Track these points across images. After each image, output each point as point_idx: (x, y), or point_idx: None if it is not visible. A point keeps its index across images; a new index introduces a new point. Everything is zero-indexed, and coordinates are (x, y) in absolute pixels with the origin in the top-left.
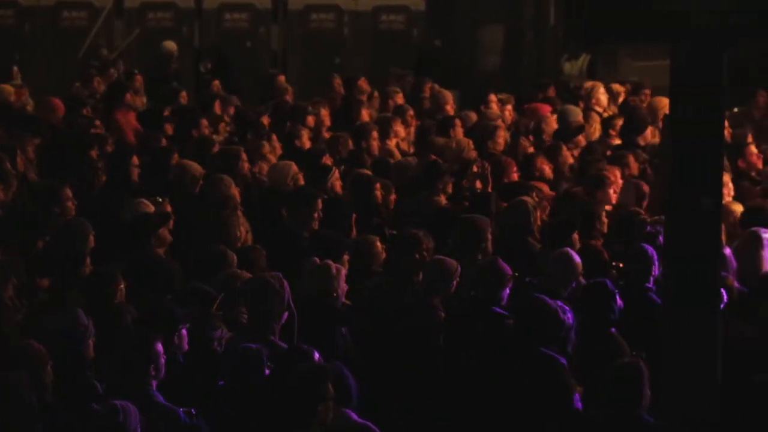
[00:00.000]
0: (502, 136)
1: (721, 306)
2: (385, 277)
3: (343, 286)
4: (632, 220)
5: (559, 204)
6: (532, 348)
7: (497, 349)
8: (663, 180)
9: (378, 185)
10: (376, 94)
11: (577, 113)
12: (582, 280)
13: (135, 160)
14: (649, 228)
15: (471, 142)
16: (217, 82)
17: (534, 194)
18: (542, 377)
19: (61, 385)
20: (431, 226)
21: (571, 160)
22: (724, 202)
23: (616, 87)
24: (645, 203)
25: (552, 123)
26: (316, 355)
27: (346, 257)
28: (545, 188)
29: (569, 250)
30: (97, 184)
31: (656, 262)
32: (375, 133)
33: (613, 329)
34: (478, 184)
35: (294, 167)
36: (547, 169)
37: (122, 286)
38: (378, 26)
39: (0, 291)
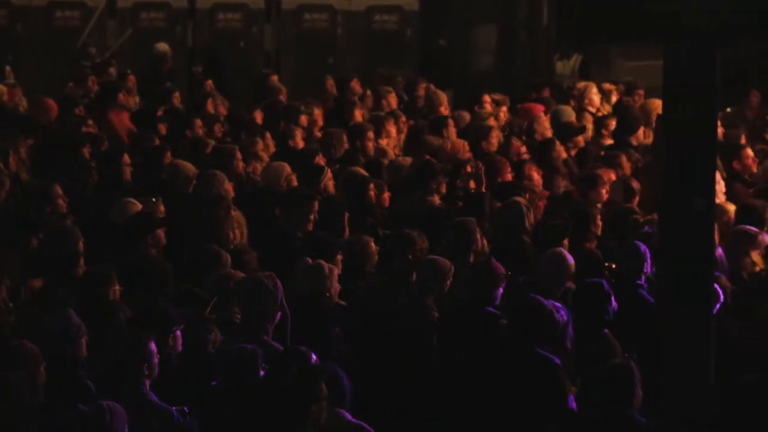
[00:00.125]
0: (496, 136)
1: (717, 306)
2: (379, 277)
3: (336, 286)
4: (625, 218)
5: (554, 205)
6: (528, 348)
7: (491, 350)
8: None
9: (371, 185)
10: (369, 93)
11: (570, 113)
12: (571, 283)
13: (126, 159)
14: (647, 228)
15: (466, 143)
16: (210, 82)
17: (527, 194)
18: (537, 378)
19: (54, 385)
20: (425, 227)
21: (564, 155)
22: (717, 201)
23: (608, 86)
24: (636, 200)
25: (544, 123)
26: (314, 358)
27: (339, 257)
28: (539, 187)
29: (562, 250)
30: (89, 184)
31: (648, 260)
32: (371, 134)
33: (605, 330)
34: (472, 184)
35: (287, 168)
36: (536, 176)
37: (117, 286)
38: (371, 26)
39: None
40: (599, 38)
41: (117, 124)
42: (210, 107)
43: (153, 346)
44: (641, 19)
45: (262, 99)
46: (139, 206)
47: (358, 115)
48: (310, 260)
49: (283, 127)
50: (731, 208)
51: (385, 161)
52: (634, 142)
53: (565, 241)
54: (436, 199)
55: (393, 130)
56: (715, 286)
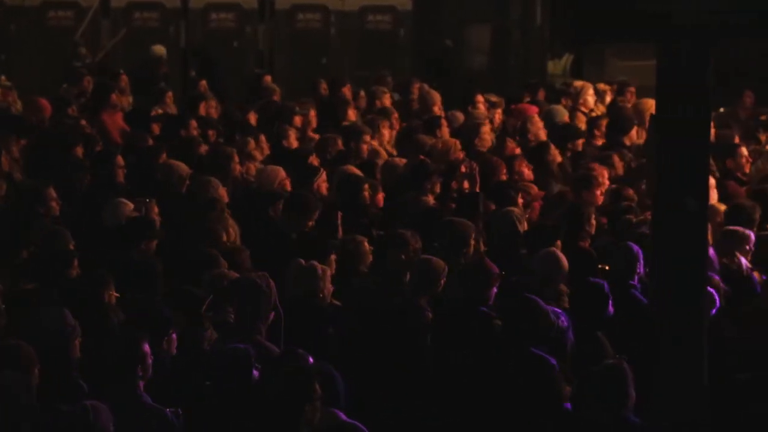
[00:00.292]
0: (488, 133)
1: (714, 310)
2: (372, 277)
3: (329, 287)
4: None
5: (549, 205)
6: (522, 348)
7: (486, 349)
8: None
9: (365, 185)
10: (362, 94)
11: (563, 113)
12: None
13: (120, 160)
14: (643, 229)
15: (458, 142)
16: (203, 83)
17: (521, 195)
18: (532, 377)
19: (48, 386)
20: (419, 227)
21: (559, 159)
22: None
23: (602, 86)
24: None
25: (538, 123)
26: (311, 360)
27: (332, 258)
28: (534, 189)
29: (555, 250)
30: (82, 184)
31: (641, 261)
32: (367, 137)
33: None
34: (466, 185)
35: (282, 172)
36: (527, 171)
37: (112, 290)
38: (365, 26)
39: None
40: (594, 38)
41: (110, 124)
42: (202, 110)
43: (147, 347)
44: (635, 19)
45: (256, 99)
46: (131, 206)
47: (352, 114)
48: (303, 261)
49: (277, 128)
50: (723, 208)
51: (379, 162)
52: (627, 143)
53: (558, 242)
54: (431, 199)
55: (386, 132)
56: (711, 290)
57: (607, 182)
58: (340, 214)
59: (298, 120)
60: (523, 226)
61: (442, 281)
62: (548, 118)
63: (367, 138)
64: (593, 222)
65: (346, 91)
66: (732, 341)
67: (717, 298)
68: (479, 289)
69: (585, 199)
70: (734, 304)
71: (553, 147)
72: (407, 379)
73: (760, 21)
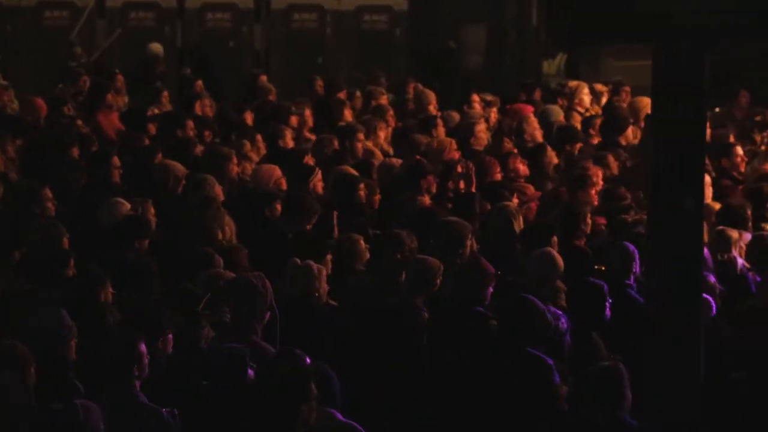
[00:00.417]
0: (483, 131)
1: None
2: (369, 276)
3: (325, 287)
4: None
5: (544, 204)
6: (519, 348)
7: (481, 349)
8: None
9: (362, 185)
10: (358, 94)
11: (558, 113)
12: (560, 283)
13: (116, 160)
14: (639, 228)
15: (454, 142)
16: (200, 83)
17: (516, 195)
18: (528, 377)
19: (44, 386)
20: (415, 227)
21: (555, 160)
22: (705, 202)
23: (599, 87)
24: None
25: (533, 123)
26: (308, 360)
27: (329, 257)
28: (530, 189)
29: (550, 249)
30: (78, 185)
31: (637, 260)
32: (361, 135)
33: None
34: (462, 185)
35: (277, 171)
36: (522, 167)
37: (109, 289)
38: (361, 26)
39: None
40: (590, 39)
41: (106, 124)
42: (198, 109)
43: (144, 347)
44: (631, 20)
45: (252, 99)
46: (128, 206)
47: (348, 115)
48: (298, 261)
49: (273, 128)
50: (719, 207)
51: (375, 162)
52: (623, 142)
53: (554, 239)
54: (427, 199)
55: (382, 134)
56: (707, 297)
57: (601, 182)
58: (336, 213)
59: (294, 120)
60: (519, 223)
61: (438, 281)
62: (544, 118)
63: (361, 136)
64: (588, 222)
65: (342, 95)
66: (727, 340)
67: (713, 302)
68: (475, 289)
69: (580, 198)
70: (729, 303)
71: (549, 149)
72: (403, 379)
73: (757, 21)
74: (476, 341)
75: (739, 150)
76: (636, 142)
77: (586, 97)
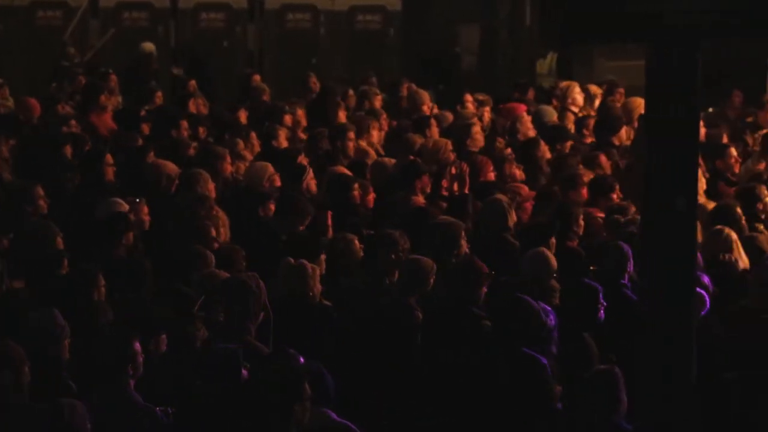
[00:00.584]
0: (479, 133)
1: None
2: (362, 276)
3: (319, 286)
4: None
5: (538, 204)
6: (514, 348)
7: (475, 349)
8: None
9: (356, 185)
10: (351, 93)
11: (551, 113)
12: (554, 282)
13: (109, 159)
14: (632, 228)
15: (449, 142)
16: (193, 82)
17: (509, 195)
18: (523, 377)
19: (37, 386)
20: (409, 227)
21: (548, 155)
22: (699, 202)
23: (593, 88)
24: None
25: (527, 123)
26: (301, 360)
27: (322, 257)
28: (524, 189)
29: (544, 249)
30: (71, 184)
31: (631, 260)
32: (352, 134)
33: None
34: (455, 186)
35: (270, 168)
36: (519, 173)
37: (102, 286)
38: (354, 26)
39: None
40: (582, 40)
41: (99, 125)
42: (192, 108)
43: (138, 346)
44: (623, 20)
45: (246, 99)
46: (126, 207)
47: (342, 116)
48: (292, 260)
49: (267, 127)
50: (712, 206)
51: (369, 162)
52: (616, 142)
53: (552, 240)
54: (421, 199)
55: (375, 133)
56: (702, 292)
57: None
58: (330, 214)
59: (288, 119)
60: (512, 217)
61: (431, 280)
62: (537, 118)
63: (352, 135)
64: (581, 222)
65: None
66: (720, 340)
67: (707, 298)
68: (468, 289)
69: (572, 198)
70: (722, 303)
71: (542, 143)
72: (397, 379)
73: (748, 21)
74: (470, 341)
75: (733, 151)
76: (629, 143)
77: (579, 97)
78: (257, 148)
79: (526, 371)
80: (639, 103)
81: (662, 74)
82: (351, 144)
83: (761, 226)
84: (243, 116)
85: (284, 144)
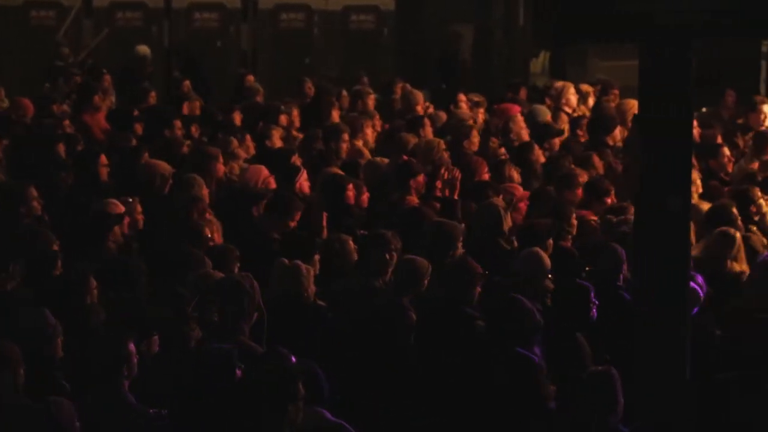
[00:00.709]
0: (477, 136)
1: (696, 308)
2: (356, 277)
3: (313, 287)
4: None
5: (532, 204)
6: (508, 348)
7: (469, 349)
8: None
9: (350, 185)
10: (344, 93)
11: (545, 113)
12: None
13: (103, 159)
14: (624, 228)
15: (442, 142)
16: (187, 83)
17: (502, 196)
18: (517, 377)
19: (30, 386)
20: (404, 227)
21: (543, 159)
22: (693, 202)
23: (586, 87)
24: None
25: (520, 123)
26: (293, 359)
27: (316, 258)
28: (519, 189)
29: (538, 249)
30: (64, 184)
31: (626, 261)
32: (346, 135)
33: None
34: (446, 192)
35: (265, 171)
36: (516, 175)
37: (94, 288)
38: (348, 26)
39: None
40: (575, 40)
41: (93, 125)
42: (185, 109)
43: (132, 346)
44: (616, 20)
45: (240, 100)
46: (121, 207)
47: (336, 116)
48: (286, 261)
49: (261, 127)
50: (707, 207)
51: (362, 162)
52: (611, 142)
53: (550, 241)
54: (415, 200)
55: (369, 132)
56: (696, 287)
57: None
58: (325, 215)
59: (283, 119)
60: (507, 221)
61: (426, 281)
62: (530, 118)
63: (346, 136)
64: (574, 222)
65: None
66: (714, 340)
67: (701, 293)
68: (462, 289)
69: (567, 198)
70: (717, 303)
71: (536, 147)
72: (392, 379)
73: (740, 21)
74: (464, 341)
75: (726, 150)
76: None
77: (573, 97)
78: (252, 150)
79: (521, 371)
80: (633, 104)
81: (655, 74)
82: (345, 145)
83: (754, 228)
84: (237, 116)
85: (278, 144)
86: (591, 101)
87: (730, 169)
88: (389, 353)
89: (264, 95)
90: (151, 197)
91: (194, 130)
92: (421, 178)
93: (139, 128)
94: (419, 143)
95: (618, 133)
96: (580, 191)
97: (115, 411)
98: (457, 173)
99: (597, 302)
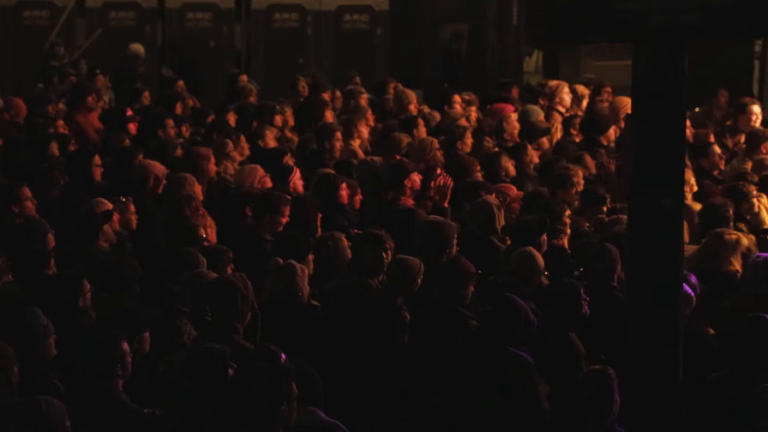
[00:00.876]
0: (470, 137)
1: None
2: (350, 276)
3: (307, 287)
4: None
5: (526, 204)
6: (502, 347)
7: (463, 349)
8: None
9: (343, 185)
10: (338, 94)
11: (538, 113)
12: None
13: (97, 159)
14: (617, 227)
15: (435, 141)
16: (181, 83)
17: (494, 195)
18: (511, 377)
19: (23, 386)
20: (398, 227)
21: (536, 160)
22: (687, 202)
23: (581, 89)
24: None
25: (513, 122)
26: (283, 357)
27: (310, 257)
28: (513, 190)
29: (532, 248)
30: (57, 184)
31: (619, 260)
32: (338, 134)
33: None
34: (437, 198)
35: (260, 170)
36: (511, 167)
37: (88, 291)
38: (342, 26)
39: None
40: (569, 39)
41: (85, 125)
42: (179, 109)
43: (126, 346)
44: (610, 19)
45: (234, 99)
46: (110, 205)
47: (329, 116)
48: (281, 260)
49: (255, 127)
50: (698, 207)
51: (355, 161)
52: (605, 142)
53: (544, 238)
54: (410, 200)
55: (365, 130)
56: (688, 289)
57: (582, 182)
58: (320, 215)
59: (278, 119)
60: (501, 219)
61: (419, 280)
62: (524, 118)
63: (339, 135)
64: (567, 220)
65: (326, 96)
66: (707, 339)
67: (693, 295)
68: (456, 289)
69: (561, 198)
70: (710, 302)
71: (530, 147)
72: (385, 379)
73: (734, 21)
74: (457, 341)
75: (716, 149)
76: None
77: (567, 97)
78: (246, 150)
79: (514, 371)
80: (626, 102)
81: (648, 74)
82: (338, 144)
83: (744, 226)
84: (232, 117)
85: (272, 144)
86: (585, 103)
87: (722, 167)
88: (383, 353)
89: (257, 95)
90: (146, 197)
91: (185, 130)
92: (415, 176)
93: (132, 128)
94: (413, 142)
95: (612, 132)
96: (574, 191)
97: (109, 411)
98: (450, 181)
99: (587, 299)
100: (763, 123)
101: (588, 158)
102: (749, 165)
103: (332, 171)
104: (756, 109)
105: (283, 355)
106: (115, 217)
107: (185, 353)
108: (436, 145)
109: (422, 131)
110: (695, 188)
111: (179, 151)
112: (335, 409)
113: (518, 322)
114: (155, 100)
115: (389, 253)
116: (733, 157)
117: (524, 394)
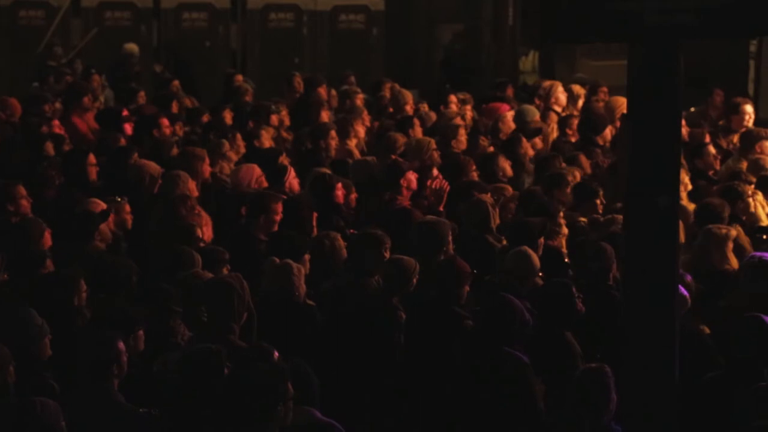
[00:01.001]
0: (464, 135)
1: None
2: (346, 276)
3: (304, 286)
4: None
5: (521, 204)
6: (497, 347)
7: (458, 348)
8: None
9: (339, 185)
10: (334, 93)
11: (534, 113)
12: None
13: (92, 158)
14: (613, 227)
15: (432, 141)
16: (176, 83)
17: (490, 195)
18: (507, 377)
19: (18, 386)
20: (395, 226)
21: (531, 152)
22: (682, 202)
23: (577, 89)
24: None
25: (509, 122)
26: (276, 354)
27: (306, 257)
28: (509, 190)
29: (527, 248)
30: (53, 183)
31: (615, 259)
32: (333, 133)
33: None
34: (433, 200)
35: (257, 170)
36: (508, 168)
37: (84, 291)
38: (337, 26)
39: None
40: (564, 39)
41: (81, 125)
42: (174, 108)
43: (122, 345)
44: (605, 19)
45: (230, 99)
46: (104, 205)
47: (325, 116)
48: (277, 260)
49: (251, 127)
50: (692, 207)
51: (350, 161)
52: (601, 142)
53: (541, 240)
54: (406, 200)
55: (361, 129)
56: (682, 289)
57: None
58: (315, 215)
59: (274, 119)
60: (495, 218)
61: (415, 280)
62: (519, 118)
63: (334, 134)
64: (562, 221)
65: (322, 91)
66: (703, 339)
67: (688, 296)
68: (451, 289)
69: (556, 197)
70: (706, 301)
71: (524, 140)
72: (381, 378)
73: (730, 21)
74: (453, 340)
75: (711, 149)
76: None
77: (562, 96)
78: (243, 149)
79: (510, 370)
80: (621, 103)
81: (644, 74)
82: (333, 143)
83: (739, 226)
84: (228, 116)
85: (267, 144)
86: (581, 103)
87: (717, 167)
88: (379, 353)
89: (253, 95)
90: (141, 197)
91: (178, 129)
92: (411, 175)
93: (128, 128)
94: (410, 142)
95: (608, 132)
96: (569, 190)
97: (105, 410)
98: (446, 185)
99: (581, 295)
100: (757, 122)
101: (583, 158)
102: (744, 165)
103: (328, 170)
104: (749, 108)
105: (276, 353)
106: (111, 216)
107: (180, 353)
108: (434, 145)
109: (418, 131)
110: (689, 187)
111: (175, 151)
112: (331, 408)
113: (514, 321)
114: (150, 99)
115: (387, 253)
116: (727, 156)
117: (520, 393)
